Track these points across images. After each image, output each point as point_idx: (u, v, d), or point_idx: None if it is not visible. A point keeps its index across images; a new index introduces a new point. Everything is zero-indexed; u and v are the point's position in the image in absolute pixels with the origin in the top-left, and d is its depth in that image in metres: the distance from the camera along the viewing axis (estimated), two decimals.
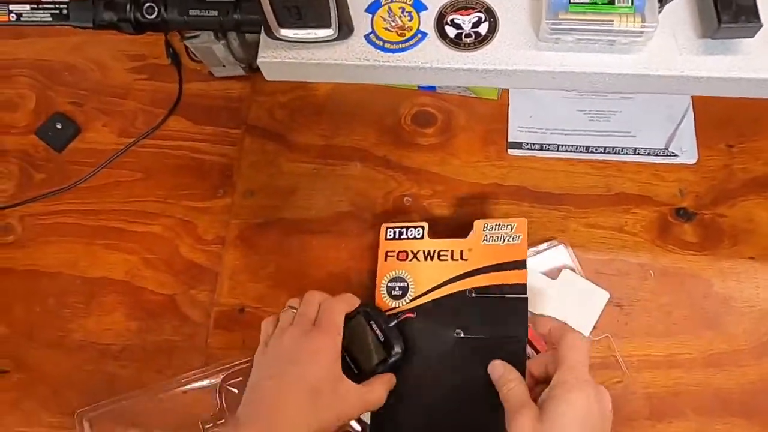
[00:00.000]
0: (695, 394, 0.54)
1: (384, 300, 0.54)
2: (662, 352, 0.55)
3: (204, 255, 0.61)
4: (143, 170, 0.65)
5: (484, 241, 0.53)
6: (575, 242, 0.59)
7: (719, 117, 0.62)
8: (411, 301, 0.53)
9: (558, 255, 0.58)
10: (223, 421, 0.52)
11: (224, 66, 0.65)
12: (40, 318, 0.61)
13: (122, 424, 0.54)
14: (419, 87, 0.65)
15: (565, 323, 0.47)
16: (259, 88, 0.67)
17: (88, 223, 0.63)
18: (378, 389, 0.48)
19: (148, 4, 0.46)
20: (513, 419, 0.42)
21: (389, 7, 0.43)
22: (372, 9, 0.44)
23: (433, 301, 0.53)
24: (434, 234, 0.59)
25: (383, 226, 0.57)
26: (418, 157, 0.64)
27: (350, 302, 0.51)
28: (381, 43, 0.42)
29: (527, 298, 0.50)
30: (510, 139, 0.63)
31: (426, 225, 0.56)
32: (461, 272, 0.53)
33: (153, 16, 0.46)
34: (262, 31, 0.43)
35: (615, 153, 0.62)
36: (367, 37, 0.43)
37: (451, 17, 0.43)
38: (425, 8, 0.43)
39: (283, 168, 0.64)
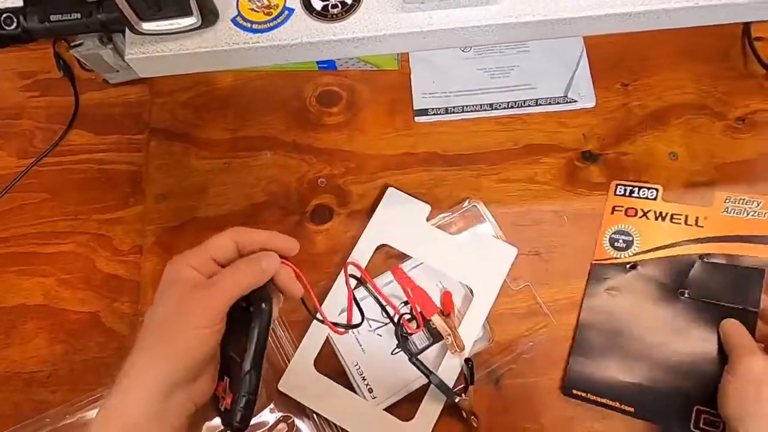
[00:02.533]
0: None
1: (606, 249, 0.55)
2: (582, 293, 0.56)
3: (122, 266, 0.60)
4: (48, 190, 0.63)
5: (725, 213, 0.54)
6: (490, 199, 0.60)
7: (611, 59, 0.64)
8: (635, 254, 0.54)
9: (473, 214, 0.59)
10: None
11: (118, 71, 0.63)
12: None
13: None
14: (319, 67, 0.65)
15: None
16: (157, 90, 0.66)
17: None
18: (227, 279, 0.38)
19: (5, 15, 0.44)
20: (743, 359, 0.46)
21: None
22: None
23: (660, 259, 0.54)
24: (352, 211, 0.60)
25: (613, 182, 0.58)
26: (327, 137, 0.63)
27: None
28: (249, 25, 0.42)
29: (765, 270, 0.51)
30: (415, 107, 0.64)
31: (660, 188, 0.56)
32: (694, 237, 0.54)
33: (12, 27, 0.44)
34: (126, 28, 0.42)
35: (518, 107, 0.63)
36: (234, 20, 0.42)
37: None
38: None
39: (192, 167, 0.63)
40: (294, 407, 0.54)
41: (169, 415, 0.36)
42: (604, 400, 0.52)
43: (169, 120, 0.65)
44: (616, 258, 0.55)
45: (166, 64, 0.42)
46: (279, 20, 0.41)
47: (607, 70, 0.63)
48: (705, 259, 0.53)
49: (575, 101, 0.62)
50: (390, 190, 0.59)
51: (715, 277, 0.53)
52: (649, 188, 0.57)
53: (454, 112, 0.63)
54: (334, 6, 0.42)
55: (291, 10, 0.42)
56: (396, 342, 0.53)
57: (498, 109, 0.63)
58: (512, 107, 0.63)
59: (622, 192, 0.58)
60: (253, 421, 0.39)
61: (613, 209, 0.57)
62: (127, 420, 0.34)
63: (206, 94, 0.66)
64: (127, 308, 0.59)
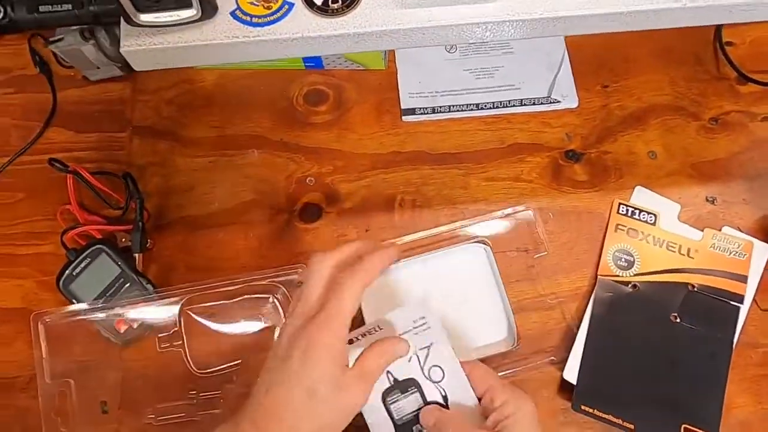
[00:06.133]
0: None
1: (609, 266, 0.57)
2: (570, 287, 0.58)
3: None
4: (26, 189, 0.61)
5: (711, 248, 0.58)
6: (478, 197, 0.61)
7: (592, 61, 0.66)
8: (635, 275, 0.57)
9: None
10: (180, 342, 0.51)
11: (98, 68, 0.62)
12: None
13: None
14: (306, 65, 0.65)
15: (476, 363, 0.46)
16: (140, 87, 0.65)
17: None
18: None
19: None
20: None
21: None
22: None
23: (658, 282, 0.57)
24: (341, 210, 0.60)
25: (615, 201, 0.60)
26: (315, 136, 0.63)
27: (372, 273, 0.42)
28: (248, 18, 0.42)
29: (740, 307, 0.56)
30: (403, 107, 0.64)
31: (658, 213, 0.59)
32: (686, 266, 0.57)
33: None
34: (122, 20, 0.41)
35: (503, 107, 0.64)
36: (233, 13, 0.42)
37: None
38: None
39: (178, 165, 0.62)
40: None
41: None
42: (608, 416, 0.52)
43: (153, 118, 0.64)
44: (618, 276, 0.57)
45: (163, 57, 0.42)
46: (279, 14, 0.41)
47: (589, 73, 0.65)
48: (695, 289, 0.56)
49: (558, 102, 0.64)
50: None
51: (701, 306, 0.56)
52: (648, 213, 0.59)
53: (440, 112, 0.64)
54: (335, 1, 0.42)
55: (291, 5, 0.42)
56: None
57: (483, 109, 0.64)
58: (497, 107, 0.64)
59: (624, 212, 0.60)
60: None
61: (617, 227, 0.59)
62: None
63: (191, 92, 0.65)
64: None
